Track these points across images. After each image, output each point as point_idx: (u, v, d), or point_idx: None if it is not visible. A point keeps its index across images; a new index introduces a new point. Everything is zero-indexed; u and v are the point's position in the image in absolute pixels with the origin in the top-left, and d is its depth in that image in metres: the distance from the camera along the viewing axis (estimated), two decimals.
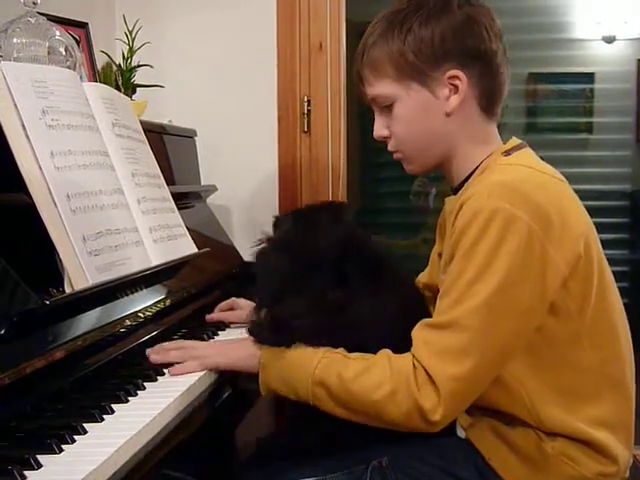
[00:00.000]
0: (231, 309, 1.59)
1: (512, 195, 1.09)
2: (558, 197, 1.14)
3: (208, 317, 1.57)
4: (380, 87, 1.23)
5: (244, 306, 1.55)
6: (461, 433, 1.20)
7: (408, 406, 1.08)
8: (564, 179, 1.21)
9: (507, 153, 1.21)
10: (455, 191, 1.26)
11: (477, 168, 1.22)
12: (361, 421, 1.11)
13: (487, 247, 1.07)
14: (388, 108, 1.23)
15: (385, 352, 1.13)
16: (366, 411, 1.10)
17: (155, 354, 1.25)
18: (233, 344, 1.28)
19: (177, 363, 1.23)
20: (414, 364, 1.09)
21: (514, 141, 1.25)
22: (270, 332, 1.15)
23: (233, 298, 1.60)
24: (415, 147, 1.25)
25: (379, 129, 1.27)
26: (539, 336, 1.12)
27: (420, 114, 1.22)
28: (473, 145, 1.23)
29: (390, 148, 1.27)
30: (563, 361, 1.15)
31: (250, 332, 1.20)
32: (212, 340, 1.43)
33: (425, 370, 1.08)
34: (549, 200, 1.11)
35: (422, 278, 1.49)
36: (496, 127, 1.27)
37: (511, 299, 1.08)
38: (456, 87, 1.19)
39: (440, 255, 1.30)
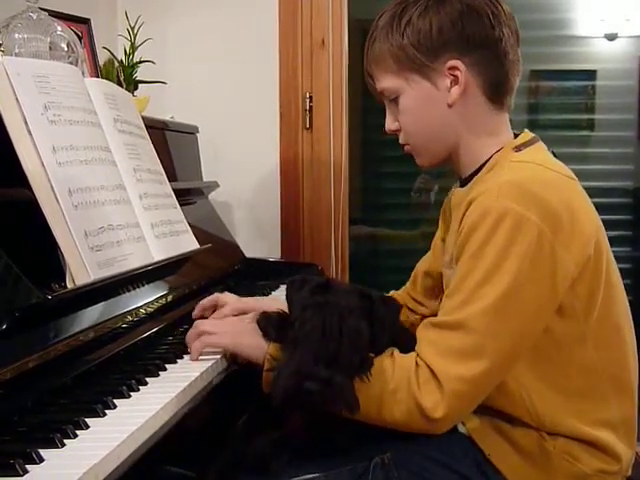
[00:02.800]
0: (214, 308, 1.42)
1: (522, 195, 1.08)
2: (569, 197, 1.13)
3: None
4: (384, 81, 1.23)
5: (230, 301, 1.41)
6: (462, 429, 1.20)
7: (408, 404, 1.07)
8: (575, 177, 1.19)
9: (518, 148, 1.19)
10: (463, 183, 1.25)
11: (487, 162, 1.20)
12: (363, 419, 1.10)
13: (496, 249, 1.06)
14: (395, 101, 1.24)
15: (391, 350, 1.13)
16: (367, 409, 1.09)
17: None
18: (246, 328, 1.23)
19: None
20: (417, 362, 1.09)
21: (526, 134, 1.23)
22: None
23: (216, 294, 1.45)
24: (421, 139, 1.25)
25: (389, 123, 1.27)
26: (543, 336, 1.12)
27: (423, 106, 1.22)
28: (479, 136, 1.22)
29: (400, 141, 1.28)
30: (566, 362, 1.14)
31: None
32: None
33: (429, 368, 1.07)
34: (559, 200, 1.10)
35: (421, 267, 1.48)
36: (507, 118, 1.25)
37: (520, 301, 1.07)
38: (456, 77, 1.18)
39: (444, 240, 1.30)
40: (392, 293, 1.54)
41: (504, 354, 1.08)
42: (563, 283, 1.09)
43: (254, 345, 1.19)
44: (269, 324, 1.20)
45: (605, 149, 3.03)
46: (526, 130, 1.25)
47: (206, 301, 1.42)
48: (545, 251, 1.07)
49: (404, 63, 1.20)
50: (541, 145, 1.23)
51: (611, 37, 3.01)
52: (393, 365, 1.10)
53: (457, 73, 1.18)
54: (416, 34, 1.18)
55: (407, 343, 1.15)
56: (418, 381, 1.07)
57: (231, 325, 1.30)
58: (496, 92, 1.21)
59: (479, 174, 1.21)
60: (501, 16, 1.19)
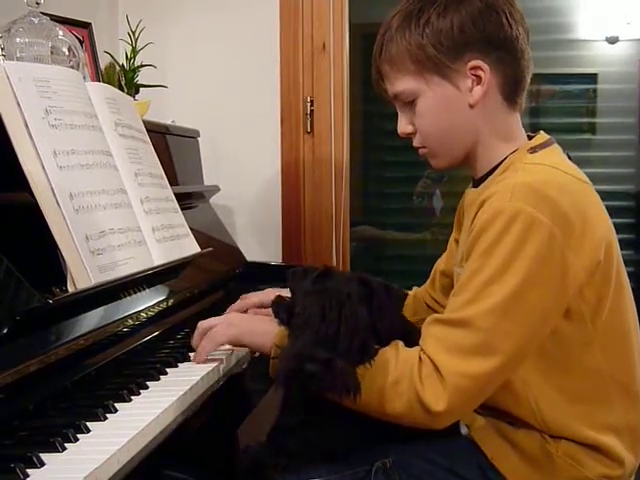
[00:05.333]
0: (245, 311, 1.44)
1: (535, 197, 1.07)
2: (581, 200, 1.13)
3: None
4: (402, 83, 1.21)
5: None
6: (465, 432, 1.19)
7: (409, 397, 1.07)
8: (588, 181, 1.19)
9: (533, 150, 1.19)
10: (476, 184, 1.25)
11: (501, 163, 1.20)
12: (365, 411, 1.10)
13: (506, 249, 1.06)
14: (411, 104, 1.22)
15: (396, 342, 1.13)
16: (368, 400, 1.08)
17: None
18: (252, 318, 1.26)
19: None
20: (420, 357, 1.09)
21: (541, 136, 1.23)
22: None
23: (243, 295, 1.48)
24: (440, 141, 1.23)
25: (403, 126, 1.25)
26: (550, 339, 1.11)
27: (443, 108, 1.20)
28: (497, 137, 1.21)
29: (415, 144, 1.26)
30: (572, 365, 1.14)
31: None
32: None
33: (432, 363, 1.07)
34: (572, 204, 1.09)
35: (439, 266, 1.48)
36: (519, 119, 1.24)
37: (527, 303, 1.07)
38: (479, 77, 1.17)
39: (457, 241, 1.29)
40: (414, 289, 1.54)
41: (509, 354, 1.08)
42: (572, 286, 1.09)
43: (260, 332, 1.20)
44: (281, 309, 1.19)
45: (607, 152, 3.02)
46: (542, 132, 1.25)
47: (235, 305, 1.44)
48: (555, 254, 1.06)
49: (424, 64, 1.18)
50: (556, 147, 1.23)
51: (612, 40, 3.00)
52: (397, 358, 1.10)
53: (480, 73, 1.17)
54: (437, 34, 1.16)
55: (415, 337, 1.14)
56: (420, 374, 1.07)
57: (235, 318, 1.31)
58: (512, 92, 1.20)
59: (493, 175, 1.21)
60: (516, 15, 1.19)
